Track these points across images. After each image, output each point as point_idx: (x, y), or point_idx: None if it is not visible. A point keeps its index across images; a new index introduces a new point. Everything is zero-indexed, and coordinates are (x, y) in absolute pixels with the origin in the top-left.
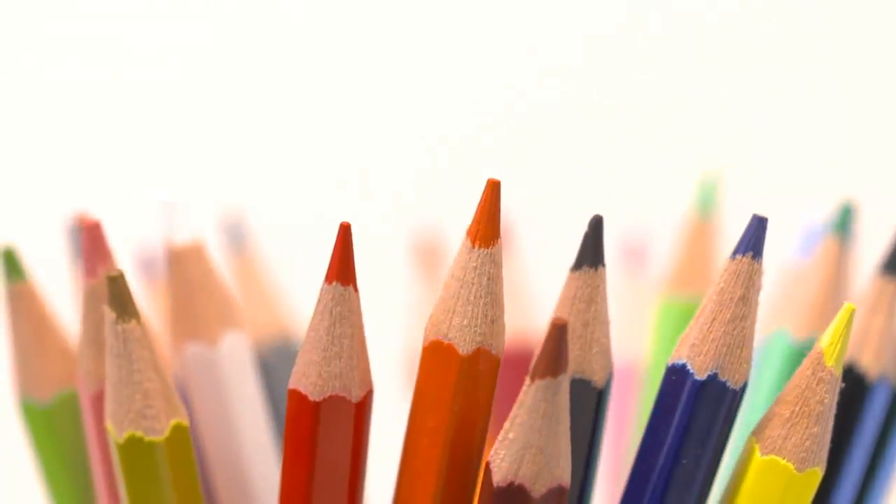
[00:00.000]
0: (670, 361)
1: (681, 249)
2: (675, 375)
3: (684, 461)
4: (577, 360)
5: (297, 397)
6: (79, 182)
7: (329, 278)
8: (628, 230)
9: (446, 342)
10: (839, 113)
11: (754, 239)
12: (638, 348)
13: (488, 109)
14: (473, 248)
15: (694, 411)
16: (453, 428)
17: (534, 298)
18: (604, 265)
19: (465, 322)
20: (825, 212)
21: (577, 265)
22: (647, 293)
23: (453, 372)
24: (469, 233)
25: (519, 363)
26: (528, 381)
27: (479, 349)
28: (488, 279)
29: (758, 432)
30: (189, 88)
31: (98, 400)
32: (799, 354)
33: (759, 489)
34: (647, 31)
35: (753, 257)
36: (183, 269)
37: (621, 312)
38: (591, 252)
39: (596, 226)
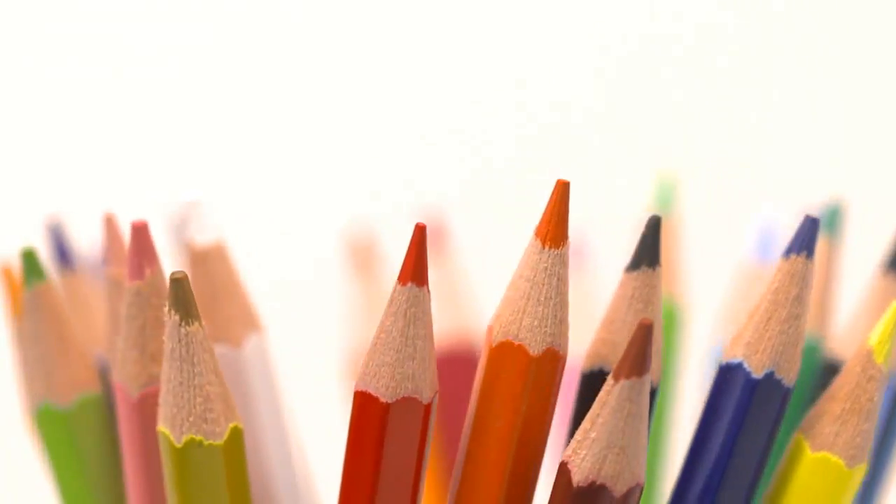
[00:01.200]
0: (724, 360)
1: None
2: (730, 374)
3: (738, 459)
4: None
5: (365, 399)
6: (71, 182)
7: (403, 279)
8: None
9: (516, 343)
10: (813, 113)
11: (807, 239)
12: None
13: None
14: (544, 248)
15: (750, 409)
16: (519, 428)
17: (473, 298)
18: (660, 265)
19: (536, 323)
20: (779, 211)
21: (635, 265)
22: (589, 291)
23: (523, 372)
24: (538, 234)
25: (457, 362)
26: (610, 380)
27: (548, 349)
28: (558, 280)
29: (806, 430)
30: (188, 89)
31: (142, 404)
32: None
33: (808, 486)
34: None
35: (807, 257)
36: (206, 269)
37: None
38: (650, 252)
39: (654, 226)
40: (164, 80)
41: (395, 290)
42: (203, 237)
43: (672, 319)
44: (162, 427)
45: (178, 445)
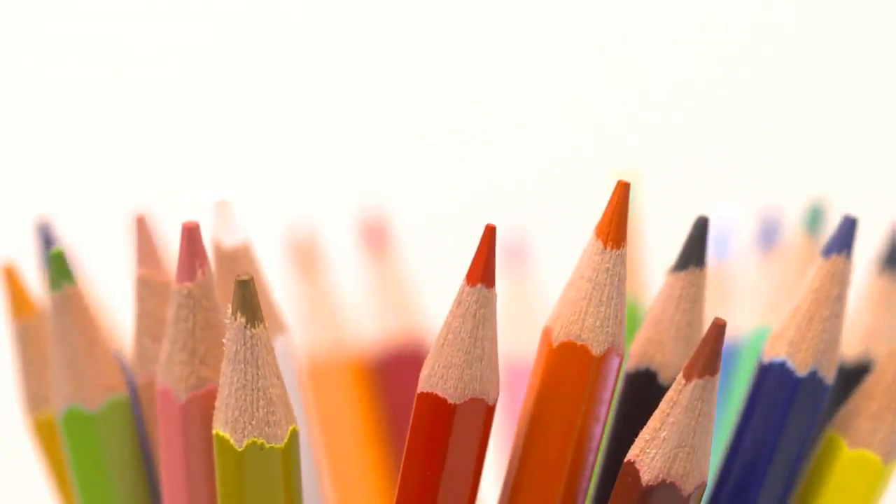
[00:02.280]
0: (766, 359)
1: None
2: (772, 372)
3: (781, 457)
4: (681, 361)
5: (431, 400)
6: (66, 183)
7: (473, 280)
8: (508, 229)
9: (579, 343)
10: (802, 112)
11: (846, 239)
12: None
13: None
14: (605, 249)
15: (793, 408)
16: (579, 428)
17: (418, 297)
18: (706, 265)
19: (598, 323)
20: (731, 210)
21: (683, 265)
22: (529, 292)
23: (586, 372)
24: (600, 234)
25: (409, 362)
26: (681, 380)
27: (609, 349)
28: (619, 280)
29: (842, 427)
30: (188, 89)
31: (189, 407)
32: None
33: (845, 483)
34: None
35: (847, 256)
36: (233, 270)
37: (507, 312)
38: (697, 252)
39: (702, 226)
40: (162, 80)
41: (462, 291)
42: (231, 238)
43: (635, 318)
44: (220, 430)
45: (240, 449)
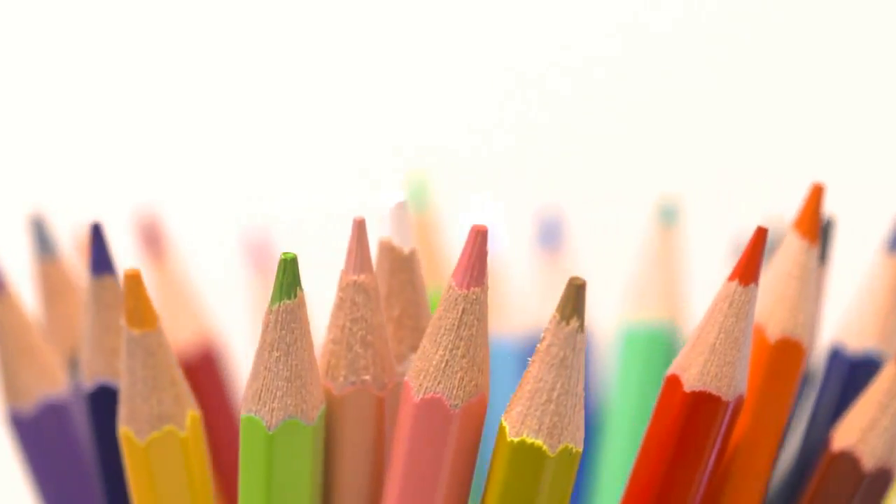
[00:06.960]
0: (851, 353)
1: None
2: (865, 364)
3: None
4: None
5: (705, 398)
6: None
7: (746, 280)
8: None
9: (794, 339)
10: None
11: None
12: None
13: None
14: (811, 248)
15: None
16: (783, 423)
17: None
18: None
19: (808, 319)
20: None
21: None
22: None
23: (798, 367)
24: (805, 234)
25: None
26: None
27: (811, 343)
28: (816, 278)
29: None
30: (188, 88)
31: (461, 416)
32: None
33: None
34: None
35: None
36: (408, 275)
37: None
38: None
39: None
40: (162, 79)
41: (735, 291)
42: (407, 242)
43: None
44: (528, 437)
45: (552, 455)
